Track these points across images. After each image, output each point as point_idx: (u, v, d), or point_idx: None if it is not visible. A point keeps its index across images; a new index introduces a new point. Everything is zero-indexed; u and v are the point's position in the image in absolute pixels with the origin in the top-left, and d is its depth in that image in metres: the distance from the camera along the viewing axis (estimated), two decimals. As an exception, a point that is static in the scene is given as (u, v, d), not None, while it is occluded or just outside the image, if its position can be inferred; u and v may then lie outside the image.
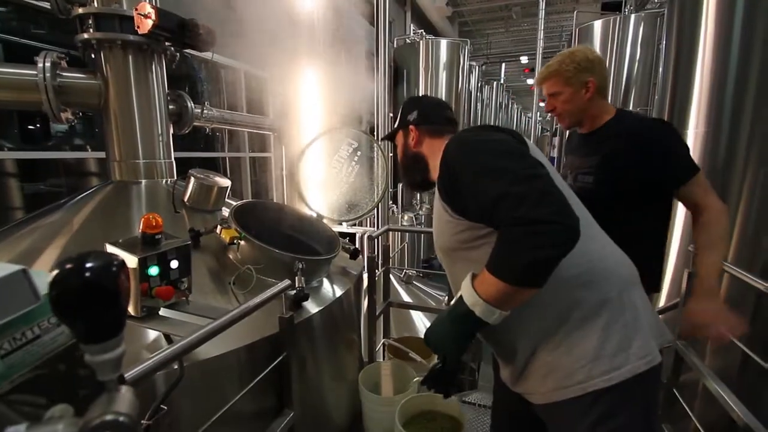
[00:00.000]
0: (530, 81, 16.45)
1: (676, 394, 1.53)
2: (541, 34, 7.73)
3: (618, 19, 6.68)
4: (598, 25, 6.99)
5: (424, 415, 1.66)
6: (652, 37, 6.14)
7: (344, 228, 3.76)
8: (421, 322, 3.70)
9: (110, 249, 0.88)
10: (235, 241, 1.35)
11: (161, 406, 0.79)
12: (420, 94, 1.16)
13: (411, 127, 1.12)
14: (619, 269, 0.92)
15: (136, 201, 1.69)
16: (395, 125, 1.18)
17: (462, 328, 0.85)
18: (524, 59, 13.59)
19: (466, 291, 0.82)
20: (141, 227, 0.91)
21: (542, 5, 7.75)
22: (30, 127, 3.95)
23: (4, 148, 4.14)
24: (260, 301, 1.02)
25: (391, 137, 1.22)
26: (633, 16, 6.18)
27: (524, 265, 0.72)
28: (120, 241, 0.91)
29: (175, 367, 0.87)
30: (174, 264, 0.95)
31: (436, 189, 0.98)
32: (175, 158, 1.85)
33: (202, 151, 5.10)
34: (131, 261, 0.86)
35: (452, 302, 0.87)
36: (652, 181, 1.22)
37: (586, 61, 1.26)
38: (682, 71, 2.14)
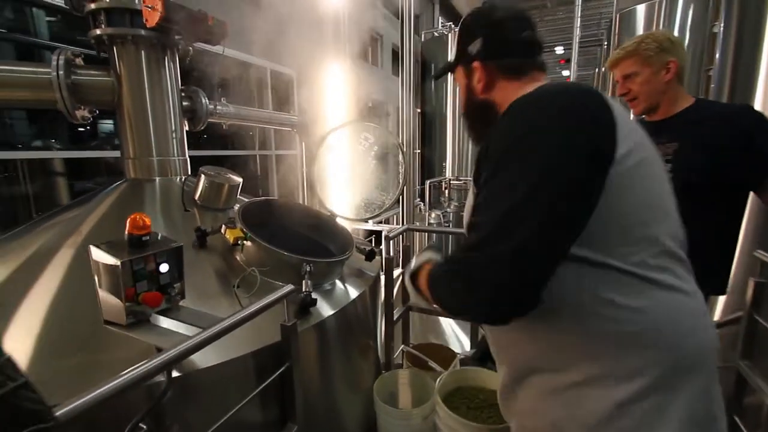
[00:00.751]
0: (566, 72, 15.72)
1: (738, 421, 1.33)
2: (578, 22, 7.31)
3: (663, 2, 6.19)
4: (641, 9, 6.50)
5: (462, 391, 1.62)
6: (704, 20, 5.64)
7: (370, 225, 3.68)
8: (450, 327, 3.55)
9: (94, 251, 0.82)
10: (239, 242, 1.28)
11: (140, 425, 0.71)
12: (486, 1, 0.91)
13: (475, 63, 0.82)
14: (684, 341, 0.65)
15: (150, 199, 1.66)
16: (453, 56, 0.89)
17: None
18: (559, 50, 13.00)
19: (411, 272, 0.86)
20: (127, 228, 0.84)
21: (579, -9, 7.34)
22: (80, 129, 4.23)
23: (52, 148, 4.43)
24: (256, 309, 0.94)
25: (446, 71, 0.94)
26: (681, -2, 5.69)
27: (447, 306, 0.71)
28: (105, 242, 0.85)
29: (162, 379, 0.81)
30: (164, 268, 0.88)
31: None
32: (200, 156, 1.82)
33: (233, 149, 5.20)
34: (114, 263, 0.79)
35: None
36: (737, 172, 1.12)
37: (668, 41, 1.22)
38: (744, 58, 1.89)
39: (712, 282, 1.07)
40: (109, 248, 0.82)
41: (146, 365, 0.70)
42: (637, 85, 1.25)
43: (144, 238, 0.85)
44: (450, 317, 0.77)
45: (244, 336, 1.11)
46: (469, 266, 0.62)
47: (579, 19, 7.41)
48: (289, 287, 1.06)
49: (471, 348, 2.08)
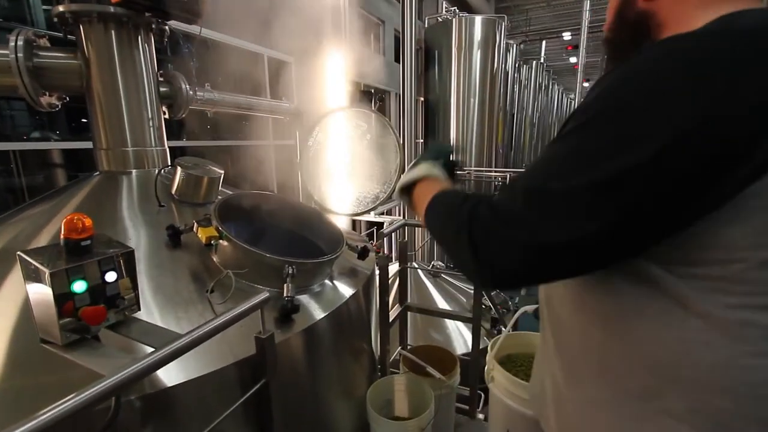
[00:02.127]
0: (573, 59, 15.33)
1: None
2: (587, 5, 7.03)
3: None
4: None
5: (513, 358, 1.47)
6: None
7: (371, 217, 3.55)
8: (454, 324, 3.43)
9: (22, 258, 0.69)
10: (212, 242, 1.15)
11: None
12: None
13: None
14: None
15: (127, 193, 1.54)
16: None
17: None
18: (567, 36, 12.64)
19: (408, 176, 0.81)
20: (63, 232, 0.71)
21: (589, -28, 7.03)
22: (84, 120, 4.21)
23: (51, 139, 4.36)
24: (222, 323, 0.81)
25: None
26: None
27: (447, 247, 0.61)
28: (36, 248, 0.72)
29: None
30: (111, 276, 0.75)
31: None
32: (194, 147, 1.69)
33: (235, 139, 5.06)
34: (44, 275, 0.66)
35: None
36: None
37: None
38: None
39: None
40: (39, 256, 0.69)
41: (74, 399, 0.58)
42: None
43: (84, 243, 0.72)
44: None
45: (217, 349, 0.99)
46: (483, 230, 0.53)
47: (588, 2, 7.13)
48: (264, 295, 0.93)
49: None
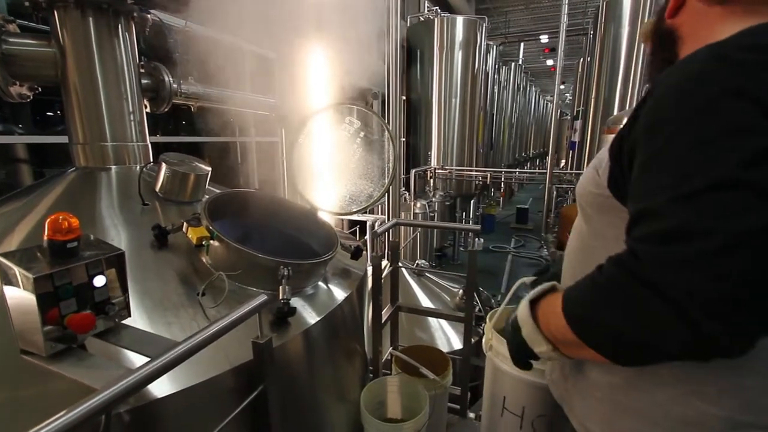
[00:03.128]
0: (550, 62, 15.69)
1: None
2: (565, 9, 7.19)
3: (651, -10, 6.15)
4: (627, -2, 6.46)
5: None
6: (689, 9, 5.61)
7: (355, 216, 3.51)
8: (438, 323, 3.43)
9: (1, 262, 0.63)
10: (204, 242, 1.10)
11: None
12: None
13: None
14: None
15: (106, 191, 1.45)
16: None
17: (514, 341, 0.68)
18: (544, 38, 12.90)
19: (522, 308, 0.66)
20: (46, 232, 0.65)
21: (567, -23, 7.19)
22: (49, 113, 3.98)
23: (14, 132, 4.10)
24: (219, 329, 0.77)
25: None
26: (670, -14, 5.61)
27: (612, 340, 0.48)
28: (18, 250, 0.66)
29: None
30: (99, 281, 0.70)
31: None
32: (178, 143, 1.60)
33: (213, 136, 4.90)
34: (26, 280, 0.61)
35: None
36: None
37: None
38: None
39: None
40: (21, 259, 0.63)
41: (66, 417, 0.53)
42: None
43: (70, 245, 0.66)
44: (602, 358, 0.50)
45: (211, 355, 0.94)
46: (660, 265, 0.43)
47: (566, 6, 7.29)
48: (262, 298, 0.89)
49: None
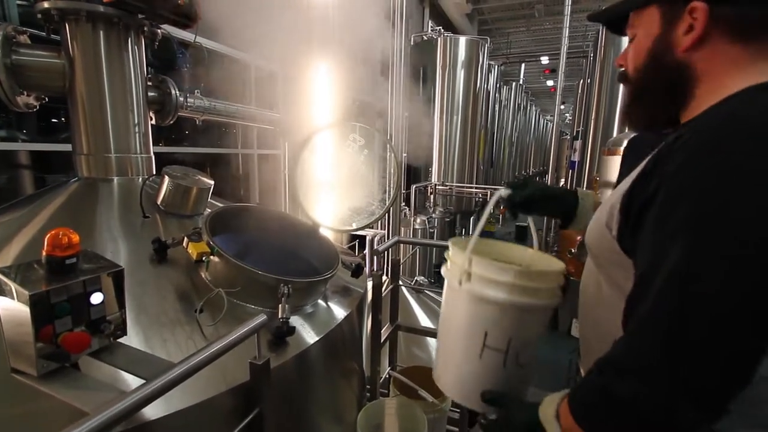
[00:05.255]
0: (550, 82, 15.93)
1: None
2: (566, 32, 7.34)
3: (650, 16, 6.26)
4: (628, 22, 6.55)
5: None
6: (687, 35, 5.70)
7: (353, 230, 3.50)
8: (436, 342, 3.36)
9: (-3, 278, 0.62)
10: (204, 258, 1.08)
11: None
12: None
13: (697, 4, 0.56)
14: None
15: (107, 202, 1.44)
16: None
17: None
18: (545, 60, 13.13)
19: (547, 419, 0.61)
20: (45, 247, 0.64)
21: (569, 1, 7.36)
22: (54, 120, 4.00)
23: (18, 139, 4.12)
24: (218, 350, 0.75)
25: (625, 12, 0.67)
26: (669, 12, 5.72)
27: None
28: (14, 266, 0.64)
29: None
30: (96, 298, 0.68)
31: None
32: (182, 154, 1.60)
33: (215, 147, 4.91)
34: (21, 297, 0.59)
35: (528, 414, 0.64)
36: None
37: None
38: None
39: None
40: (19, 275, 0.62)
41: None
42: None
43: (69, 261, 0.65)
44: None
45: (206, 375, 0.91)
46: (642, 389, 0.47)
47: (567, 29, 7.44)
48: (261, 318, 0.87)
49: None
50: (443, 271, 0.85)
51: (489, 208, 0.89)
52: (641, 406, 0.47)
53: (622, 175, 0.82)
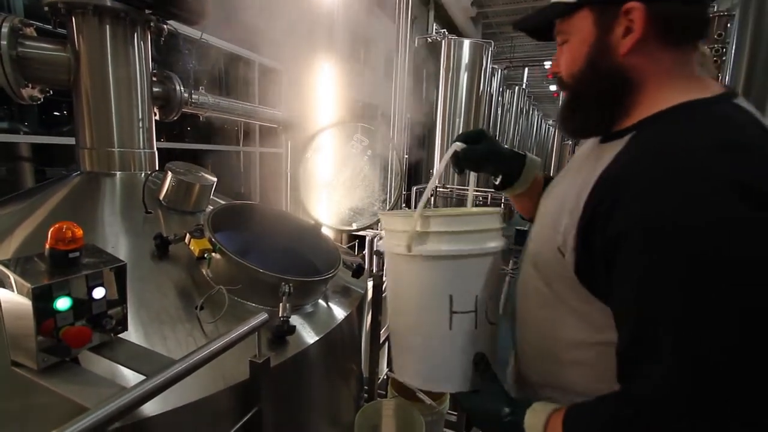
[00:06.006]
0: (553, 87, 15.96)
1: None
2: (570, 38, 7.34)
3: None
4: (633, 29, 6.58)
5: None
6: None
7: (354, 229, 3.49)
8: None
9: (-1, 271, 0.61)
10: (205, 255, 1.08)
11: None
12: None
13: (632, 4, 0.55)
14: None
15: (109, 196, 1.44)
16: None
17: None
18: (548, 64, 13.16)
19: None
20: (48, 241, 0.64)
21: (573, 7, 7.37)
22: (56, 113, 3.99)
23: (20, 130, 4.11)
24: (218, 347, 0.75)
25: (550, 19, 0.65)
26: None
27: None
28: (16, 259, 0.64)
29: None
30: (98, 293, 0.68)
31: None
32: (181, 150, 1.60)
33: (216, 143, 4.91)
34: (23, 290, 0.59)
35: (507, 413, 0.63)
36: None
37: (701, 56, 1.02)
38: (758, 73, 1.85)
39: None
40: (21, 267, 0.62)
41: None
42: None
43: (72, 255, 0.65)
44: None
45: (205, 373, 0.91)
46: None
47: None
48: (263, 316, 0.87)
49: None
50: (382, 244, 0.77)
51: (444, 163, 0.81)
52: None
53: None
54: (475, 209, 0.84)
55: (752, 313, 0.43)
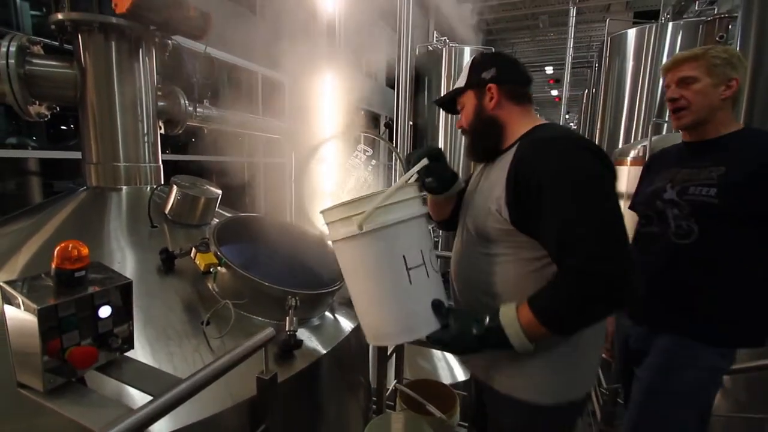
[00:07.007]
0: (554, 92, 15.98)
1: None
2: (570, 43, 7.37)
3: (654, 27, 6.28)
4: (632, 33, 6.61)
5: None
6: (693, 47, 5.71)
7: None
8: (442, 353, 3.33)
9: (4, 290, 0.61)
10: (211, 269, 1.07)
11: None
12: (493, 50, 0.94)
13: (490, 85, 1.00)
14: None
15: (115, 211, 1.44)
16: (462, 83, 1.04)
17: (486, 348, 0.85)
18: (549, 70, 13.20)
19: (512, 330, 0.82)
20: (54, 260, 0.63)
21: (573, 13, 7.40)
22: (63, 127, 4.04)
23: (28, 145, 4.16)
24: (224, 365, 0.73)
25: (453, 98, 1.08)
26: (671, 25, 5.75)
27: (575, 323, 0.82)
28: (22, 279, 0.64)
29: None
30: (104, 312, 0.67)
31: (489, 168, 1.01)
32: (185, 161, 1.60)
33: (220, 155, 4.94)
34: (29, 311, 0.58)
35: (485, 322, 0.84)
36: None
37: (736, 57, 1.14)
38: (761, 81, 1.83)
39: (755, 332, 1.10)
40: (28, 286, 0.61)
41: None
42: (692, 92, 1.14)
43: (78, 274, 0.64)
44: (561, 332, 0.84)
45: (212, 389, 0.90)
46: (604, 275, 0.76)
47: (572, 40, 7.48)
48: (269, 331, 0.86)
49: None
50: (331, 233, 0.89)
51: (409, 176, 0.92)
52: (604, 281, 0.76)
53: (651, 182, 1.32)
54: (399, 183, 0.92)
55: (606, 203, 0.81)
